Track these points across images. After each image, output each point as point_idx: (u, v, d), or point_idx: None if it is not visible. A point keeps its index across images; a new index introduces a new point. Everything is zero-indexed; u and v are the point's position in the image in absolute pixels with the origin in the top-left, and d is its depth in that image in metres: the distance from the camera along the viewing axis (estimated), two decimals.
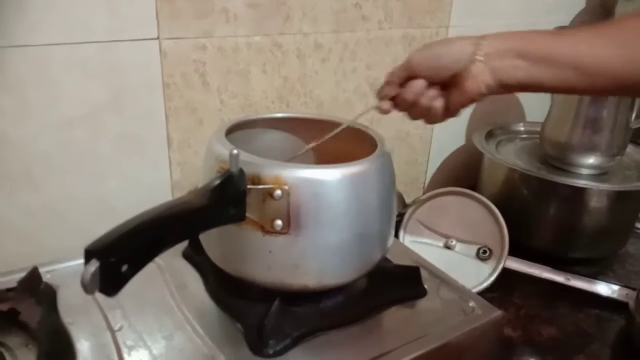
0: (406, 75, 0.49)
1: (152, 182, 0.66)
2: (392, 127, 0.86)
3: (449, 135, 0.96)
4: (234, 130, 0.55)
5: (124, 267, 0.32)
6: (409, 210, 0.77)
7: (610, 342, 0.64)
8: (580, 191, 0.73)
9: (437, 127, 0.92)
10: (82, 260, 0.54)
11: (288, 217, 0.43)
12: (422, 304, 0.53)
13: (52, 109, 0.57)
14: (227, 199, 0.39)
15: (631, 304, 0.66)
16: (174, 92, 0.64)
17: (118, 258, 0.31)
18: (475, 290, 0.69)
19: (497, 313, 0.52)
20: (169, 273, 0.55)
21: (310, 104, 0.76)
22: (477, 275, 0.71)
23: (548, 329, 0.65)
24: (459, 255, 0.74)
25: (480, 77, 0.46)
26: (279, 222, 0.43)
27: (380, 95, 0.51)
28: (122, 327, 0.47)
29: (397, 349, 0.46)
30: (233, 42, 0.66)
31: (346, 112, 0.80)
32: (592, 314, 0.68)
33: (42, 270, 0.53)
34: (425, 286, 0.55)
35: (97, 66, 0.57)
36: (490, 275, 0.71)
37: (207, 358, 0.44)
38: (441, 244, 0.75)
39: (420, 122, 0.88)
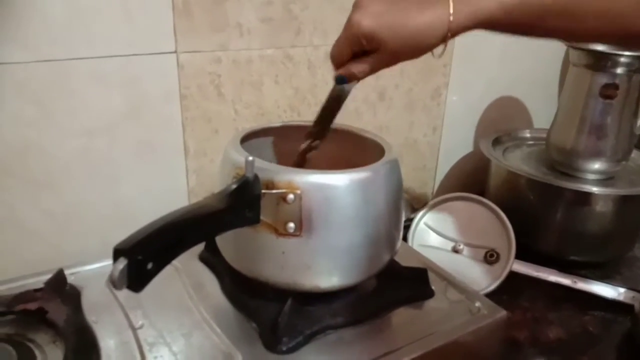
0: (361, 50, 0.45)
1: (169, 189, 0.69)
2: (401, 134, 0.89)
3: (457, 142, 0.98)
4: (249, 139, 0.57)
5: (150, 265, 0.34)
6: (418, 215, 0.79)
7: (615, 343, 0.65)
8: (586, 196, 0.74)
9: (446, 134, 0.94)
10: (104, 263, 0.58)
11: (300, 220, 0.45)
12: (430, 304, 0.55)
13: (74, 119, 0.60)
14: (243, 202, 0.42)
15: (637, 306, 0.67)
16: (190, 102, 0.67)
17: (144, 256, 0.34)
18: (482, 293, 0.71)
19: (503, 313, 0.54)
20: (186, 275, 0.58)
21: None
22: (484, 279, 0.73)
23: (554, 330, 0.66)
24: (466, 259, 0.76)
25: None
26: (291, 225, 0.45)
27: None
28: (142, 325, 0.50)
29: (405, 347, 0.48)
30: (247, 54, 0.69)
31: (355, 120, 0.82)
32: (598, 316, 0.69)
33: (66, 272, 0.56)
34: (433, 287, 0.57)
35: (117, 78, 0.61)
36: (497, 278, 0.72)
37: (224, 355, 0.46)
38: (449, 248, 0.77)
39: (429, 130, 0.92)
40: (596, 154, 0.78)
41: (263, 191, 0.44)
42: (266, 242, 0.47)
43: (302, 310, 0.50)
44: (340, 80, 0.48)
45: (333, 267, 0.48)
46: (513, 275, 0.73)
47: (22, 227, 0.61)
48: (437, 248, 0.77)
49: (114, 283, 0.33)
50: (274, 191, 0.45)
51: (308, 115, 0.77)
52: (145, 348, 0.47)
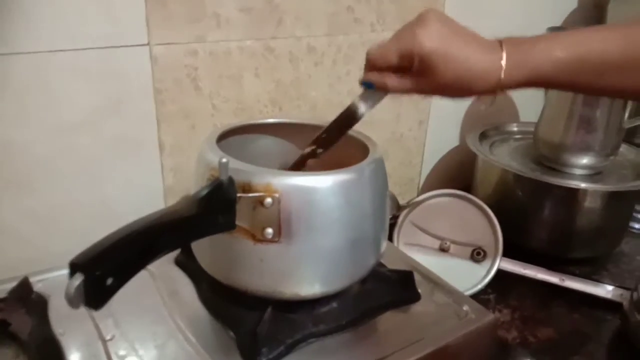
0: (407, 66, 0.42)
1: (146, 187, 0.66)
2: (386, 129, 0.86)
3: (443, 137, 0.96)
4: (227, 136, 0.55)
5: (109, 280, 0.32)
6: (403, 213, 0.77)
7: (606, 341, 0.64)
8: (574, 192, 0.73)
9: (431, 129, 0.92)
10: None
11: (279, 225, 0.43)
12: (416, 308, 0.53)
13: (51, 114, 0.56)
14: (216, 208, 0.39)
15: (625, 304, 0.66)
16: (165, 97, 0.63)
17: (103, 271, 0.31)
18: (470, 292, 0.69)
19: (491, 317, 0.52)
20: (161, 280, 0.55)
21: (304, 107, 0.76)
22: (471, 277, 0.71)
23: (543, 330, 0.65)
24: (453, 258, 0.74)
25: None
26: (269, 231, 0.43)
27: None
28: (113, 337, 0.47)
29: (392, 355, 0.46)
30: (225, 46, 0.65)
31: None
32: (588, 314, 0.68)
33: (33, 279, 0.53)
34: (419, 290, 0.54)
35: (95, 72, 0.57)
36: (485, 277, 0.71)
37: None
38: (436, 246, 0.75)
39: (414, 124, 0.90)
40: (585, 149, 0.76)
41: (239, 195, 0.41)
42: (243, 249, 0.44)
43: (283, 318, 0.47)
44: (369, 85, 0.46)
45: (315, 274, 0.46)
46: (501, 274, 0.72)
47: (3, 228, 0.58)
48: (424, 246, 0.75)
49: (69, 301, 0.30)
50: (251, 195, 0.42)
51: (291, 109, 0.74)
52: None
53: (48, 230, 0.60)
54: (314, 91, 0.76)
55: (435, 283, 0.57)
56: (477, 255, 0.73)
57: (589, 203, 0.73)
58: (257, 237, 0.43)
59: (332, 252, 0.45)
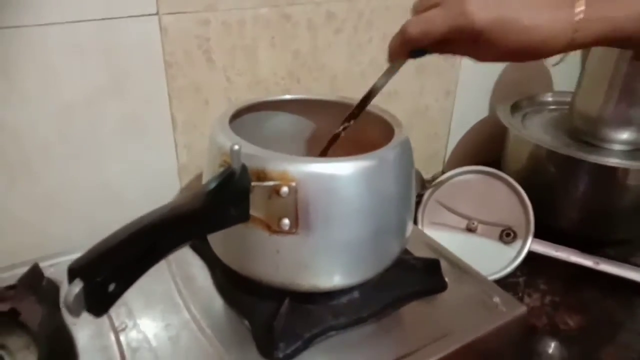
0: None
1: (157, 166, 0.63)
2: (410, 101, 0.82)
3: (472, 107, 0.90)
4: (241, 114, 0.51)
5: (112, 286, 0.29)
6: (428, 191, 0.73)
7: None
8: (612, 170, 0.67)
9: (459, 99, 0.87)
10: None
11: (296, 215, 0.40)
12: (443, 298, 0.50)
13: (49, 93, 0.53)
14: (228, 199, 0.36)
15: None
16: (176, 71, 0.60)
17: (104, 277, 0.29)
18: (498, 275, 0.66)
19: (523, 309, 0.49)
20: (175, 264, 0.53)
21: (323, 78, 0.71)
22: (500, 260, 0.68)
23: (575, 317, 0.61)
24: (481, 238, 0.70)
25: None
26: (286, 221, 0.40)
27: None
28: (126, 327, 0.45)
29: (417, 352, 0.43)
30: (238, 15, 0.61)
31: (361, 86, 0.75)
32: (623, 300, 0.64)
33: (44, 264, 0.51)
34: (446, 279, 0.51)
35: (94, 46, 0.54)
36: (514, 259, 0.67)
37: None
38: (462, 226, 0.71)
39: (441, 95, 0.85)
40: (625, 123, 0.70)
41: (253, 184, 0.38)
42: (258, 239, 0.41)
43: (301, 310, 0.45)
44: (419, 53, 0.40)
45: (334, 266, 0.43)
46: (531, 255, 0.68)
47: (3, 213, 0.56)
48: (450, 226, 0.71)
49: (68, 309, 0.28)
50: (265, 183, 0.39)
51: (309, 81, 0.70)
52: (128, 354, 0.43)
53: (50, 215, 0.58)
54: (333, 61, 0.71)
55: (464, 270, 0.54)
56: (507, 236, 0.69)
57: (628, 182, 0.68)
58: (273, 228, 0.40)
59: (353, 243, 0.42)
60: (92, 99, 0.56)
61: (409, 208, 0.47)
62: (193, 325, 0.46)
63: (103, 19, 0.53)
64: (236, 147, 0.37)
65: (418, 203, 0.72)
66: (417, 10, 0.39)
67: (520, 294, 0.65)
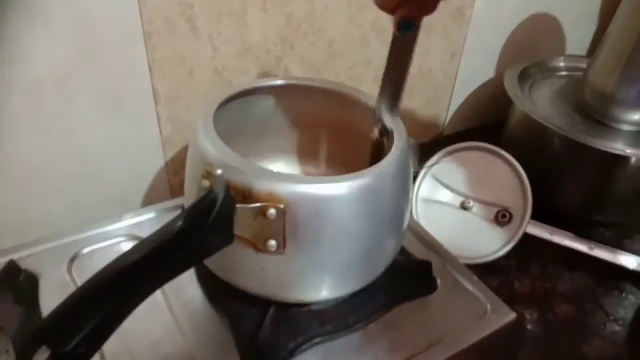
0: None
1: (139, 140, 0.60)
2: (413, 64, 0.76)
3: (477, 69, 0.85)
4: (228, 101, 0.47)
5: (82, 349, 0.27)
6: (425, 167, 0.70)
7: (628, 322, 0.60)
8: (617, 156, 0.64)
9: (465, 61, 0.82)
10: (65, 240, 0.51)
11: (283, 238, 0.37)
12: (433, 302, 0.49)
13: (15, 70, 0.48)
14: (210, 229, 0.33)
15: None
16: (157, 41, 0.54)
17: (73, 345, 0.26)
18: (489, 258, 0.65)
19: (512, 316, 0.48)
20: None
21: (319, 43, 0.66)
22: (493, 241, 0.66)
23: (563, 306, 0.61)
24: (475, 218, 0.68)
25: None
26: (272, 243, 0.37)
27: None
28: None
29: None
30: None
31: (361, 50, 0.70)
32: (614, 288, 0.64)
33: (22, 254, 0.49)
34: (438, 280, 0.50)
35: (62, 17, 0.48)
36: (508, 242, 0.66)
37: None
38: (457, 203, 0.69)
39: (446, 57, 0.79)
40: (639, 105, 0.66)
41: (237, 205, 0.35)
42: (243, 255, 0.39)
43: (286, 316, 0.44)
44: (406, 26, 0.38)
45: (322, 283, 0.41)
46: (525, 237, 0.66)
47: None
48: (444, 203, 0.69)
49: None
50: (251, 205, 0.36)
51: (303, 47, 0.65)
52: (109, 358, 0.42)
53: (28, 194, 0.55)
54: (331, 25, 0.65)
55: (456, 269, 0.52)
56: (502, 217, 0.67)
57: (632, 168, 0.65)
58: (259, 248, 0.38)
59: (343, 262, 0.40)
60: (63, 74, 0.51)
61: (405, 216, 0.45)
62: (176, 331, 0.44)
63: None
64: (219, 171, 0.33)
65: (414, 178, 0.69)
66: None
67: (511, 278, 0.65)
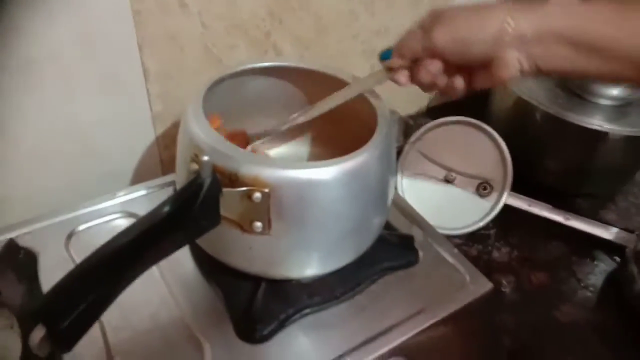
0: (423, 53, 0.42)
1: (130, 116, 0.61)
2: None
3: None
4: (219, 82, 0.48)
5: (76, 326, 0.30)
6: (410, 140, 0.72)
7: (599, 289, 0.64)
8: (596, 132, 0.66)
9: None
10: (61, 217, 0.53)
11: (268, 220, 0.39)
12: (415, 274, 0.51)
13: (10, 49, 0.49)
14: (197, 212, 0.35)
15: (628, 250, 0.65)
16: (146, 18, 0.55)
17: (68, 322, 0.29)
18: (470, 229, 0.68)
19: (489, 286, 0.51)
20: None
21: (307, 19, 0.66)
22: (474, 212, 0.69)
23: (538, 274, 0.65)
24: (458, 190, 0.71)
25: (513, 63, 0.39)
26: (258, 224, 0.39)
27: (389, 66, 0.43)
28: None
29: (391, 329, 0.45)
30: None
31: (349, 24, 0.70)
32: (586, 256, 0.67)
33: (21, 231, 0.51)
34: (420, 253, 0.53)
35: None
36: (488, 214, 0.69)
37: (192, 344, 0.44)
38: (441, 176, 0.72)
39: None
40: None
41: (223, 189, 0.37)
42: (230, 235, 0.41)
43: (277, 289, 0.46)
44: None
45: (308, 261, 0.44)
46: (504, 208, 0.69)
47: None
48: (429, 176, 0.72)
49: (35, 352, 0.28)
50: (237, 189, 0.38)
51: (292, 23, 0.65)
52: (110, 335, 0.44)
53: (26, 171, 0.57)
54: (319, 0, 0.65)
55: (438, 243, 0.55)
56: (484, 189, 0.70)
57: (609, 143, 0.67)
58: (245, 229, 0.40)
59: (328, 242, 0.43)
60: (58, 53, 0.52)
61: (389, 196, 0.47)
62: (171, 301, 0.47)
63: None
64: (206, 157, 0.35)
65: (399, 153, 0.71)
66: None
67: (489, 248, 0.68)
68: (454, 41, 0.40)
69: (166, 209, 0.34)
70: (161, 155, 0.66)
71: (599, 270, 0.66)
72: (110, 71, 0.56)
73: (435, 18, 0.41)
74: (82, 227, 0.53)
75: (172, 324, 0.46)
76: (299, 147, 0.57)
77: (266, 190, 0.38)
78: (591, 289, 0.64)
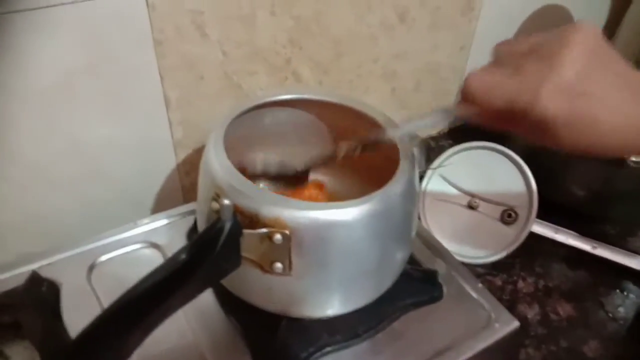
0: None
1: (151, 145, 0.61)
2: (421, 59, 0.76)
3: (486, 62, 0.84)
4: (239, 117, 0.48)
5: None
6: (433, 166, 0.71)
7: (630, 323, 0.62)
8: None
9: (474, 53, 0.81)
10: (83, 248, 0.53)
11: (289, 261, 0.39)
12: (439, 310, 0.50)
13: (19, 79, 0.49)
14: (218, 256, 0.35)
15: None
16: (167, 48, 0.55)
17: None
18: (494, 258, 0.66)
19: (515, 324, 0.49)
20: None
21: (327, 44, 0.66)
22: (499, 240, 0.68)
23: (566, 306, 0.63)
24: (482, 216, 0.69)
25: None
26: (279, 265, 0.39)
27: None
28: None
29: None
30: None
31: (369, 48, 0.69)
32: (615, 287, 0.65)
33: (42, 263, 0.51)
34: (444, 288, 0.51)
35: (70, 25, 0.48)
36: (513, 242, 0.67)
37: None
38: (464, 202, 0.70)
39: (454, 51, 0.79)
40: None
41: (244, 231, 0.37)
42: (251, 275, 0.41)
43: (298, 328, 0.45)
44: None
45: (329, 302, 0.43)
46: (530, 235, 0.68)
47: None
48: (451, 202, 0.70)
49: None
50: (258, 231, 0.37)
51: (312, 48, 0.65)
52: None
53: (34, 193, 0.56)
54: (339, 24, 0.65)
55: (462, 276, 0.53)
56: (508, 217, 0.68)
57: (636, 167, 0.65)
58: (266, 269, 0.40)
59: (350, 282, 0.42)
60: (70, 82, 0.51)
61: (412, 232, 0.46)
62: (190, 337, 0.47)
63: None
64: (227, 201, 0.35)
65: (421, 177, 0.70)
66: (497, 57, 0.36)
67: (515, 278, 0.66)
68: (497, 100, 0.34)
69: (186, 255, 0.33)
70: (182, 182, 0.66)
71: (630, 302, 0.64)
72: (132, 101, 0.56)
73: None
74: (104, 258, 0.53)
75: (191, 359, 0.45)
76: (324, 178, 0.57)
77: (287, 232, 0.37)
78: (621, 322, 0.62)
